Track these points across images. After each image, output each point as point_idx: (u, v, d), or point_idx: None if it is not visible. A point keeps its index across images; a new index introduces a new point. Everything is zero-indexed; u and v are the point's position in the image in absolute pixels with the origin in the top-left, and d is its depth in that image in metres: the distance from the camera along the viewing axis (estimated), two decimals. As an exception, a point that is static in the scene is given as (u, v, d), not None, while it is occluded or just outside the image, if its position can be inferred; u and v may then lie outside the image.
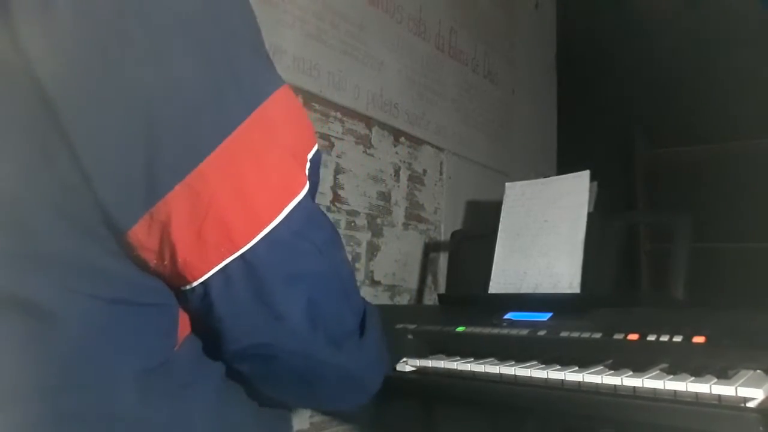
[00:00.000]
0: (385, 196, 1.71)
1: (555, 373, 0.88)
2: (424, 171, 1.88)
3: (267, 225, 0.51)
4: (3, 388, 0.49)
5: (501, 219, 1.46)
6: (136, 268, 0.52)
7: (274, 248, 0.52)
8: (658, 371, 0.84)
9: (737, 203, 2.11)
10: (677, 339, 0.92)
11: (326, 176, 1.50)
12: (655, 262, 2.23)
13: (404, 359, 1.06)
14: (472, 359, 1.01)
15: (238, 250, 0.50)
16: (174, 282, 0.53)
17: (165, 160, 0.48)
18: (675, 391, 0.77)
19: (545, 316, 1.14)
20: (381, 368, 0.65)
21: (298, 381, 0.59)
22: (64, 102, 0.47)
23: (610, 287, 1.29)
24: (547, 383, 0.88)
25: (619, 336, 0.97)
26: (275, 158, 0.53)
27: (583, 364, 0.90)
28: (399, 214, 1.76)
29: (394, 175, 1.75)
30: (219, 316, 0.52)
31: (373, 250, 1.65)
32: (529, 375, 0.90)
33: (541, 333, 1.07)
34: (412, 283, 1.83)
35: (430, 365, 1.04)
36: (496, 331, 1.13)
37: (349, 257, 1.57)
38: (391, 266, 1.73)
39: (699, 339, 0.90)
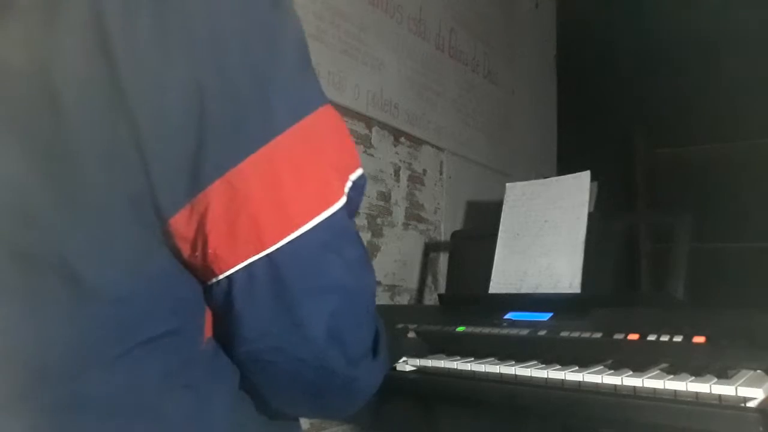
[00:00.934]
0: (385, 196, 1.71)
1: (555, 373, 0.88)
2: (424, 171, 1.88)
3: (296, 229, 0.52)
4: (36, 358, 0.49)
5: (501, 219, 1.46)
6: (175, 260, 0.54)
7: (300, 254, 0.53)
8: (658, 371, 0.84)
9: (737, 203, 2.11)
10: (677, 339, 0.92)
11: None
12: (655, 262, 2.24)
13: (404, 359, 1.06)
14: (473, 359, 1.01)
15: (265, 249, 0.52)
16: (203, 275, 0.54)
17: (210, 155, 0.51)
18: (675, 390, 0.77)
19: (545, 316, 1.14)
20: (382, 377, 0.66)
21: (305, 391, 0.59)
22: (134, 90, 0.50)
23: (610, 287, 1.29)
24: (547, 383, 0.88)
25: (619, 336, 0.97)
26: (314, 168, 0.55)
27: (584, 364, 0.90)
28: (399, 214, 1.76)
29: (394, 175, 1.75)
30: (238, 314, 0.53)
31: (373, 250, 1.65)
32: (529, 375, 0.90)
33: (542, 333, 1.07)
34: (412, 283, 1.83)
35: (430, 365, 1.04)
36: (496, 331, 1.13)
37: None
38: (391, 266, 1.73)
39: (699, 339, 0.90)
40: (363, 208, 1.63)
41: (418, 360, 1.06)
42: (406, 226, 1.79)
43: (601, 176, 1.44)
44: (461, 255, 1.63)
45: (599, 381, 0.83)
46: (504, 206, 1.48)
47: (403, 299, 1.78)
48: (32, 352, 0.50)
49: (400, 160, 1.78)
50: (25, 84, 0.53)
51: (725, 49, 2.21)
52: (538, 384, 0.89)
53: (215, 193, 0.51)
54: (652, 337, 0.94)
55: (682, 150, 2.33)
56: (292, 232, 0.52)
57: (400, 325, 1.20)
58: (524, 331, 1.10)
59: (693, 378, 0.77)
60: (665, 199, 2.34)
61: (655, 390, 0.78)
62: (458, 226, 1.95)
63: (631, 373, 0.83)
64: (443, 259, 1.89)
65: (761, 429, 0.67)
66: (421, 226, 1.86)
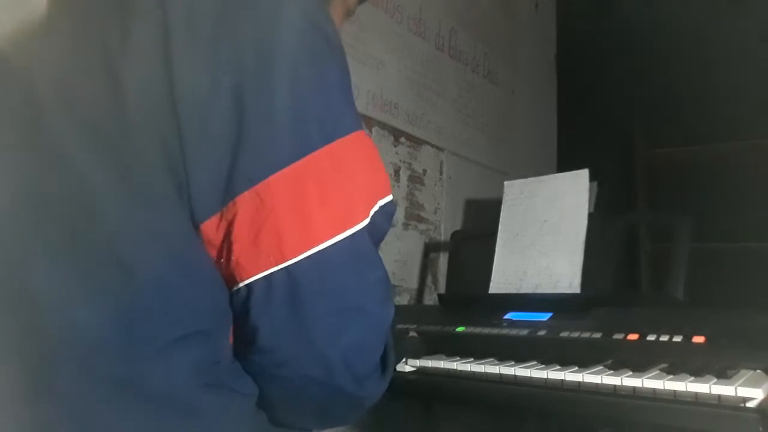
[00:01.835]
0: (385, 196, 1.71)
1: (555, 374, 0.88)
2: (424, 171, 1.88)
3: (317, 244, 0.54)
4: (76, 339, 0.51)
5: (501, 219, 1.46)
6: (212, 263, 0.56)
7: (319, 270, 0.54)
8: (657, 371, 0.84)
9: (737, 203, 2.11)
10: (677, 339, 0.92)
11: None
12: (655, 262, 2.23)
13: (404, 359, 1.06)
14: (472, 359, 1.01)
15: (285, 261, 0.53)
16: (227, 283, 0.57)
17: (244, 166, 0.54)
18: (675, 391, 0.77)
19: (545, 316, 1.14)
20: (386, 388, 0.67)
21: (312, 405, 0.60)
22: (183, 97, 0.53)
23: (610, 287, 1.29)
24: (546, 383, 0.88)
25: (618, 336, 0.97)
26: (340, 188, 0.57)
27: (583, 364, 0.90)
28: (399, 214, 1.76)
29: (394, 175, 1.75)
30: (253, 322, 0.55)
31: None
32: (529, 375, 0.90)
33: (541, 333, 1.07)
34: (412, 283, 1.83)
35: (430, 365, 1.04)
36: (496, 331, 1.13)
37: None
38: (391, 266, 1.73)
39: (699, 339, 0.90)
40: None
41: (418, 360, 1.06)
42: (406, 226, 1.79)
43: (601, 176, 1.44)
44: (461, 255, 1.63)
45: (599, 381, 0.83)
46: (503, 205, 1.48)
47: (403, 299, 1.78)
48: (80, 333, 0.51)
49: (400, 160, 1.78)
50: (94, 79, 0.56)
51: (725, 49, 2.21)
52: (537, 384, 0.89)
53: (244, 203, 0.53)
54: (651, 337, 0.94)
55: (682, 150, 2.32)
56: (313, 247, 0.54)
57: (400, 326, 1.20)
58: (524, 332, 1.10)
59: (692, 378, 0.77)
60: (665, 199, 2.34)
61: (654, 390, 0.78)
62: (458, 226, 1.95)
63: (630, 373, 0.83)
64: (443, 259, 1.89)
65: (761, 429, 0.67)
66: (421, 226, 1.86)
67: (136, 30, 0.56)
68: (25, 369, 0.51)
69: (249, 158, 0.54)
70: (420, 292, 1.84)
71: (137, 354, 0.52)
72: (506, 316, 1.19)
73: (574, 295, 1.25)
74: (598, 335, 1.00)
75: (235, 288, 0.55)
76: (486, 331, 1.14)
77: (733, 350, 0.87)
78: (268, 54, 0.55)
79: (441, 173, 1.96)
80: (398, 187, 1.76)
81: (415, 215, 1.83)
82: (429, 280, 1.87)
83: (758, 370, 0.81)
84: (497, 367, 0.95)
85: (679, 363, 0.87)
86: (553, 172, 1.49)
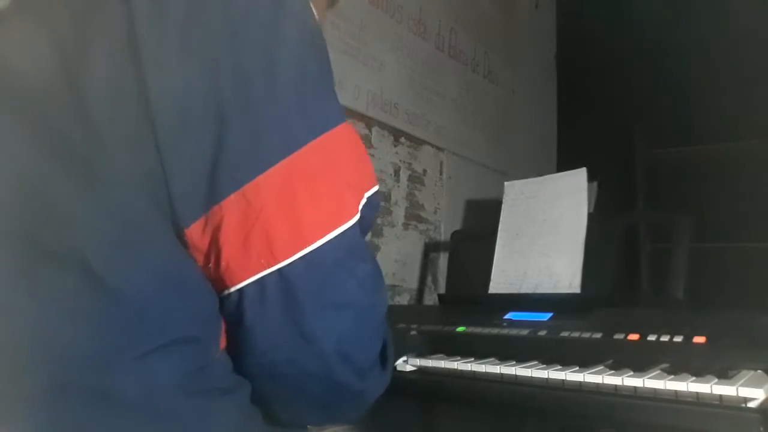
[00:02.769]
0: (385, 196, 1.71)
1: (556, 373, 0.87)
2: (424, 171, 1.88)
3: (308, 245, 0.53)
4: (47, 351, 0.50)
5: (501, 219, 1.46)
6: (196, 268, 0.55)
7: (312, 270, 0.53)
8: (658, 371, 0.84)
9: (737, 203, 2.11)
10: (678, 339, 0.92)
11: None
12: (655, 262, 2.23)
13: (404, 359, 1.06)
14: (473, 359, 1.01)
15: (277, 264, 0.52)
16: (216, 287, 0.55)
17: (227, 168, 0.52)
18: (676, 391, 0.76)
19: (545, 316, 1.14)
20: (387, 384, 0.66)
21: (313, 402, 0.60)
22: (158, 100, 0.51)
23: (610, 287, 1.29)
24: (547, 383, 0.88)
25: (619, 336, 0.97)
26: (329, 185, 0.56)
27: (584, 364, 0.90)
28: (399, 214, 1.76)
29: (394, 175, 1.75)
30: (247, 326, 0.54)
31: (373, 250, 1.65)
32: (529, 375, 0.90)
33: (542, 333, 1.07)
34: (412, 283, 1.82)
35: (430, 365, 1.04)
36: (496, 331, 1.13)
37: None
38: (391, 266, 1.73)
39: (699, 339, 0.90)
40: (363, 208, 1.63)
41: (418, 360, 1.06)
42: (406, 226, 1.79)
43: (601, 176, 1.44)
44: (461, 255, 1.63)
45: (600, 381, 0.83)
46: (503, 205, 1.48)
47: (403, 299, 1.78)
48: (53, 345, 0.50)
49: (400, 160, 1.78)
50: (54, 88, 0.54)
51: (725, 49, 2.21)
52: (538, 384, 0.89)
53: (230, 206, 0.52)
54: (652, 337, 0.94)
55: (682, 150, 2.32)
56: (305, 247, 0.53)
57: (400, 326, 1.19)
58: (524, 331, 1.09)
59: (693, 378, 0.77)
60: (665, 199, 2.34)
61: (655, 390, 0.78)
62: (458, 226, 1.95)
63: (631, 373, 0.83)
64: (443, 259, 1.89)
65: (762, 429, 0.67)
66: (421, 226, 1.86)
67: (95, 28, 0.53)
68: None
69: (233, 159, 0.52)
70: (420, 292, 1.84)
71: (114, 365, 0.50)
72: (506, 316, 1.19)
73: (574, 295, 1.25)
74: (598, 335, 1.00)
75: (226, 292, 0.54)
76: (486, 331, 1.13)
77: (734, 350, 0.86)
78: (245, 50, 0.53)
79: (441, 173, 1.96)
80: (398, 187, 1.76)
81: (415, 215, 1.83)
82: (429, 280, 1.87)
83: (759, 371, 0.81)
84: (498, 366, 0.94)
85: (680, 363, 0.87)
86: (553, 172, 1.49)
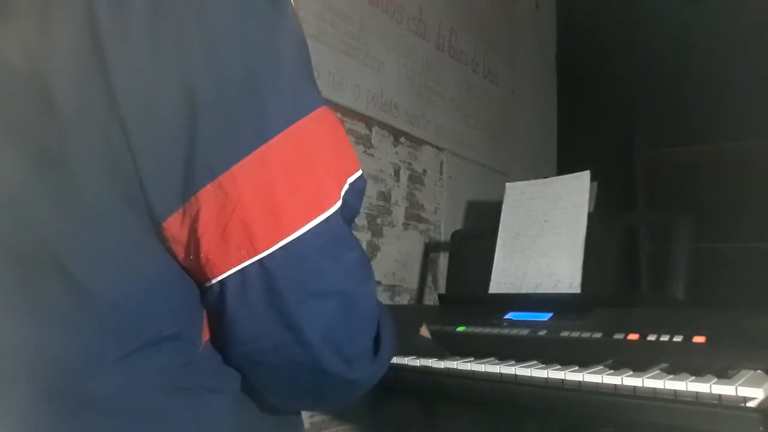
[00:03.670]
0: (385, 196, 1.71)
1: (555, 373, 0.88)
2: (424, 171, 1.88)
3: (289, 234, 0.52)
4: (27, 359, 0.49)
5: (501, 219, 1.46)
6: (174, 264, 0.54)
7: (294, 260, 0.52)
8: (658, 371, 0.84)
9: (737, 203, 2.11)
10: (677, 339, 0.92)
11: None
12: (655, 262, 2.23)
13: (405, 358, 1.06)
14: (473, 359, 1.01)
15: (257, 255, 0.51)
16: (198, 279, 0.54)
17: (202, 158, 0.50)
18: (675, 390, 0.77)
19: (546, 316, 1.14)
20: (384, 372, 0.66)
21: (303, 389, 0.59)
22: (124, 92, 0.50)
23: (610, 287, 1.29)
24: (547, 383, 0.88)
25: (619, 336, 0.97)
26: (307, 172, 0.54)
27: (584, 364, 0.90)
28: (399, 214, 1.76)
29: (394, 175, 1.75)
30: (231, 318, 0.53)
31: (373, 250, 1.65)
32: (529, 375, 0.90)
33: (542, 333, 1.07)
34: (412, 283, 1.83)
35: (430, 365, 1.04)
36: (496, 331, 1.13)
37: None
38: (391, 266, 1.73)
39: (699, 339, 0.90)
40: (363, 208, 1.63)
41: (418, 360, 1.06)
42: (406, 226, 1.79)
43: (601, 176, 1.44)
44: (461, 255, 1.64)
45: (599, 381, 0.83)
46: (504, 206, 1.48)
47: (403, 299, 1.78)
48: (32, 352, 0.49)
49: (400, 160, 1.78)
50: (19, 85, 0.53)
51: (725, 49, 2.21)
52: (538, 384, 0.89)
53: (207, 197, 0.50)
54: (652, 337, 0.94)
55: (682, 150, 2.32)
56: (285, 237, 0.51)
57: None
58: (524, 331, 1.10)
59: (693, 378, 0.77)
60: (665, 199, 2.34)
61: (655, 390, 0.78)
62: (458, 226, 1.95)
63: (631, 373, 0.83)
64: (443, 259, 1.89)
65: (761, 429, 0.67)
66: (421, 226, 1.86)
67: (56, 21, 0.52)
68: None
69: (207, 149, 0.50)
70: (420, 292, 1.84)
71: (95, 368, 0.49)
72: (507, 316, 1.19)
73: (574, 295, 1.25)
74: (598, 335, 1.00)
75: (208, 284, 0.53)
76: (486, 330, 1.14)
77: (733, 350, 0.86)
78: (217, 38, 0.52)
79: (441, 173, 1.96)
80: (398, 187, 1.76)
81: (415, 215, 1.83)
82: (429, 280, 1.87)
83: (759, 370, 0.81)
84: (498, 366, 0.95)
85: (679, 363, 0.87)
86: (553, 172, 1.50)
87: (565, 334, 1.04)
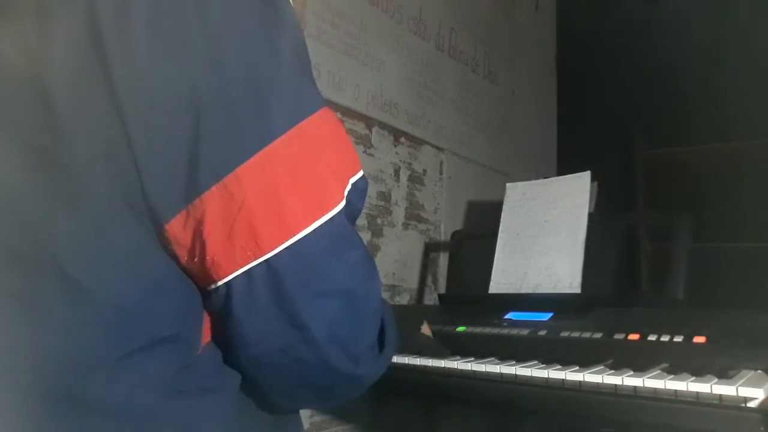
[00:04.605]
0: (385, 196, 1.71)
1: (556, 373, 0.88)
2: (424, 171, 1.88)
3: (294, 235, 0.52)
4: (25, 360, 0.49)
5: (501, 219, 1.46)
6: (174, 266, 0.54)
7: (299, 260, 0.52)
8: (658, 371, 0.84)
9: (737, 203, 2.11)
10: (678, 339, 0.92)
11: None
12: (655, 262, 2.23)
13: (405, 358, 1.06)
14: (473, 359, 1.01)
15: (263, 255, 0.51)
16: (201, 281, 0.54)
17: (206, 160, 0.50)
18: (676, 390, 0.77)
19: (546, 316, 1.14)
20: (387, 366, 0.66)
21: (310, 389, 0.59)
22: (126, 92, 0.50)
23: (611, 287, 1.29)
24: (547, 383, 0.88)
25: (619, 336, 0.97)
26: (311, 172, 0.54)
27: (584, 364, 0.90)
28: (399, 214, 1.76)
29: (394, 175, 1.75)
30: (238, 319, 0.53)
31: (373, 250, 1.65)
32: (529, 375, 0.90)
33: (542, 333, 1.07)
34: (412, 283, 1.82)
35: (430, 365, 1.04)
36: (496, 331, 1.13)
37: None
38: (391, 266, 1.73)
39: (699, 339, 0.90)
40: (363, 208, 1.62)
41: (418, 360, 1.06)
42: (406, 226, 1.79)
43: (601, 176, 1.44)
44: (461, 255, 1.63)
45: (600, 381, 0.83)
46: (504, 206, 1.48)
47: (403, 299, 1.78)
48: (30, 353, 0.49)
49: (400, 160, 1.78)
50: (18, 85, 0.53)
51: (725, 49, 2.21)
52: (538, 384, 0.89)
53: (212, 199, 0.50)
54: (652, 337, 0.94)
55: (682, 150, 2.32)
56: (290, 237, 0.52)
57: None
58: (524, 331, 1.10)
59: (693, 378, 0.77)
60: (665, 199, 2.34)
61: (655, 390, 0.78)
62: (458, 226, 1.95)
63: (631, 373, 0.83)
64: (443, 259, 1.89)
65: (762, 429, 0.67)
66: (421, 226, 1.86)
67: (57, 17, 0.52)
68: None
69: (211, 150, 0.50)
70: (420, 292, 1.84)
71: (93, 370, 0.49)
72: (507, 316, 1.19)
73: (574, 295, 1.25)
74: (598, 335, 1.00)
75: (213, 286, 0.53)
76: (486, 330, 1.14)
77: (734, 350, 0.86)
78: (217, 35, 0.52)
79: (441, 173, 1.96)
80: (398, 187, 1.76)
81: (415, 215, 1.83)
82: (429, 280, 1.87)
83: (759, 370, 0.81)
84: (498, 366, 0.94)
85: (680, 363, 0.87)
86: (553, 172, 1.50)
87: (565, 334, 1.04)
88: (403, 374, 1.04)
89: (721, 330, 0.90)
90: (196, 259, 0.53)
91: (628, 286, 2.14)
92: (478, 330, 1.14)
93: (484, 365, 0.96)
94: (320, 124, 0.56)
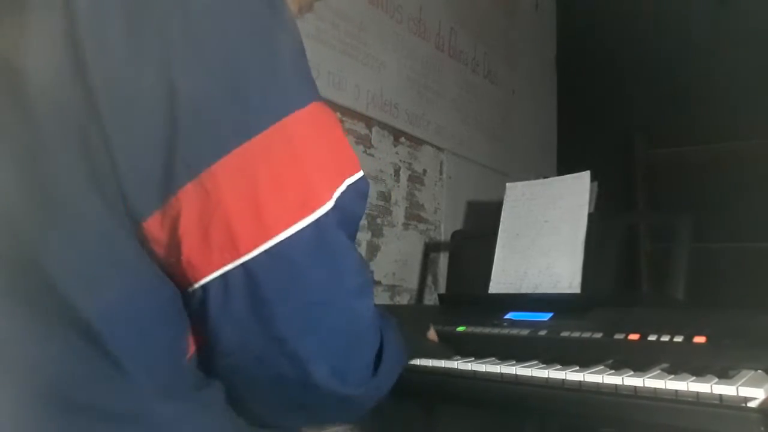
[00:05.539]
0: (385, 196, 1.71)
1: (556, 373, 0.87)
2: (424, 171, 1.88)
3: (273, 236, 0.49)
4: (15, 362, 0.49)
5: (501, 219, 1.46)
6: (159, 270, 0.52)
7: (279, 265, 0.49)
8: (659, 371, 0.84)
9: (737, 203, 2.11)
10: (678, 339, 0.92)
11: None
12: (655, 262, 2.23)
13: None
14: (473, 359, 1.01)
15: (240, 258, 0.49)
16: (180, 283, 0.52)
17: (182, 156, 0.48)
18: (676, 390, 0.76)
19: (546, 316, 1.14)
20: (387, 389, 0.63)
21: (292, 406, 0.56)
22: (102, 90, 0.48)
23: (610, 287, 1.29)
24: (548, 383, 0.88)
25: (619, 336, 0.97)
26: (294, 172, 0.51)
27: (584, 364, 0.90)
28: (399, 214, 1.76)
29: (394, 175, 1.75)
30: (213, 325, 0.50)
31: (373, 250, 1.65)
32: (530, 375, 0.90)
33: (542, 333, 1.07)
34: (412, 283, 1.82)
35: (430, 365, 1.04)
36: (496, 331, 1.13)
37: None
38: (391, 266, 1.73)
39: (699, 339, 0.90)
40: (363, 208, 1.62)
41: (418, 360, 1.06)
42: (406, 226, 1.79)
43: (601, 176, 1.44)
44: (461, 255, 1.63)
45: (600, 381, 0.83)
46: (504, 206, 1.48)
47: (403, 299, 1.78)
48: (18, 357, 0.49)
49: (400, 160, 1.78)
50: None
51: (725, 50, 2.21)
52: (538, 384, 0.89)
53: (188, 197, 0.48)
54: (652, 337, 0.94)
55: (682, 150, 2.32)
56: (269, 239, 0.49)
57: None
58: (524, 331, 1.09)
59: (694, 378, 0.77)
60: (665, 199, 2.34)
61: (655, 390, 0.78)
62: (458, 226, 1.95)
63: (631, 373, 0.83)
64: (443, 259, 1.89)
65: (762, 429, 0.67)
66: (421, 226, 1.86)
67: (34, 14, 0.50)
68: None
69: (188, 146, 0.48)
70: (420, 292, 1.84)
71: (80, 373, 0.48)
72: (507, 316, 1.19)
73: (574, 295, 1.25)
74: (598, 335, 1.00)
75: (190, 289, 0.50)
76: (486, 330, 1.13)
77: (734, 350, 0.86)
78: (198, 32, 0.50)
79: (441, 173, 1.96)
80: (398, 187, 1.76)
81: (415, 215, 1.83)
82: (429, 280, 1.87)
83: (759, 370, 0.81)
84: (498, 366, 0.94)
85: (680, 363, 0.87)
86: (553, 172, 1.50)
87: (565, 334, 1.04)
88: (403, 374, 1.04)
89: (721, 330, 0.90)
90: (173, 260, 0.50)
91: (628, 286, 2.14)
92: (478, 330, 1.14)
93: (484, 365, 0.96)
94: (309, 120, 0.53)
